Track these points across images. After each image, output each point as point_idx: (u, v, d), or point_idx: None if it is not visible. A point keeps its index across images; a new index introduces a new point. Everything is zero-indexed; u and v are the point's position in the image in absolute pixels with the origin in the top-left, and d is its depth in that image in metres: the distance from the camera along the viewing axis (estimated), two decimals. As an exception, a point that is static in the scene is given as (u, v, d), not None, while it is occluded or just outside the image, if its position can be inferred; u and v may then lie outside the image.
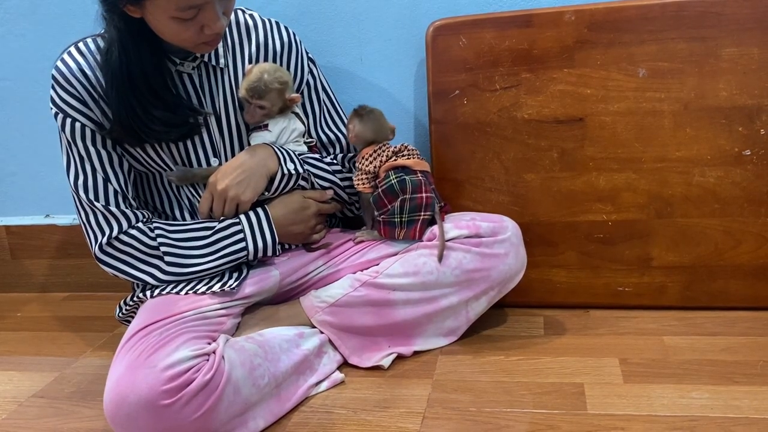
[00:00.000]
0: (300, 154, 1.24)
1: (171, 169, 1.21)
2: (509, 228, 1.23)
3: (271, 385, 1.06)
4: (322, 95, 1.33)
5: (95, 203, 1.16)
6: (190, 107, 1.18)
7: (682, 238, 1.31)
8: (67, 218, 1.68)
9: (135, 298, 1.20)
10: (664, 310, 1.32)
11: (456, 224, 1.22)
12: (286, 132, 1.23)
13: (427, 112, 1.40)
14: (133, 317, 1.17)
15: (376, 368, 1.19)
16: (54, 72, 1.15)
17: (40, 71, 1.60)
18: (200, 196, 1.22)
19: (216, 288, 1.14)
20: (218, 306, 1.13)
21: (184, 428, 0.95)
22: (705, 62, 1.26)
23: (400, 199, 1.20)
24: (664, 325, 1.27)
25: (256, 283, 1.19)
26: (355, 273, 1.23)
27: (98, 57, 1.14)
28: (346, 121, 1.33)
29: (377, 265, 1.23)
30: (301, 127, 1.26)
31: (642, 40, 1.27)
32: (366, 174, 1.24)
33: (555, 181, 1.34)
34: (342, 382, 1.15)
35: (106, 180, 1.16)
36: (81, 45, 1.16)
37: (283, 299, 1.25)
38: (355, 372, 1.18)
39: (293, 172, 1.20)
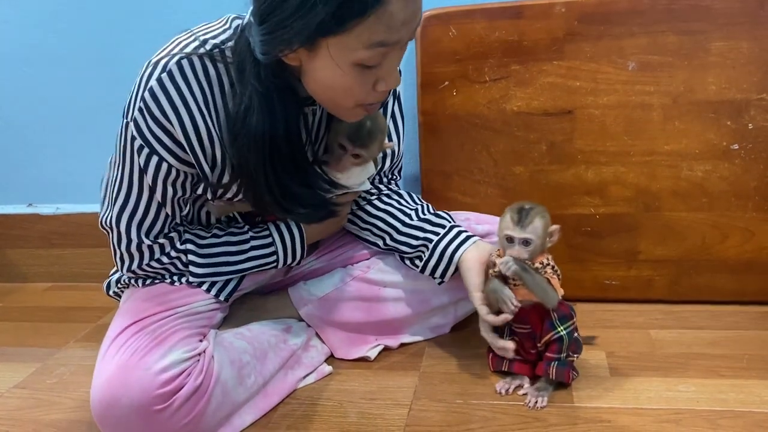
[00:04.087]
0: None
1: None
2: None
3: (259, 383, 1.05)
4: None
5: (145, 238, 1.03)
6: (325, 179, 1.06)
7: (669, 232, 1.31)
8: (50, 207, 1.66)
9: (125, 280, 1.13)
10: (651, 304, 1.33)
11: None
12: (354, 176, 1.11)
13: (416, 102, 1.39)
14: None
15: (363, 360, 1.18)
16: (147, 95, 0.92)
17: (23, 59, 1.58)
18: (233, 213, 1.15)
19: (212, 291, 1.10)
20: (210, 301, 1.10)
21: None
22: (694, 56, 1.26)
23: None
24: (651, 318, 1.27)
25: (249, 279, 1.16)
26: (345, 267, 1.22)
27: (206, 87, 0.94)
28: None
29: (369, 260, 1.22)
30: (372, 171, 1.14)
31: (632, 33, 1.27)
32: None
33: (543, 173, 1.34)
34: (329, 374, 1.15)
35: (169, 216, 1.04)
36: (185, 64, 0.92)
37: (271, 290, 1.24)
38: (342, 364, 1.18)
39: None
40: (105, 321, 1.41)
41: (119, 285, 1.15)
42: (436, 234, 1.13)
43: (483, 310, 1.06)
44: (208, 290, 1.10)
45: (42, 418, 1.09)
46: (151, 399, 0.91)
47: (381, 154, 1.18)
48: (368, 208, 1.20)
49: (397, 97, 1.20)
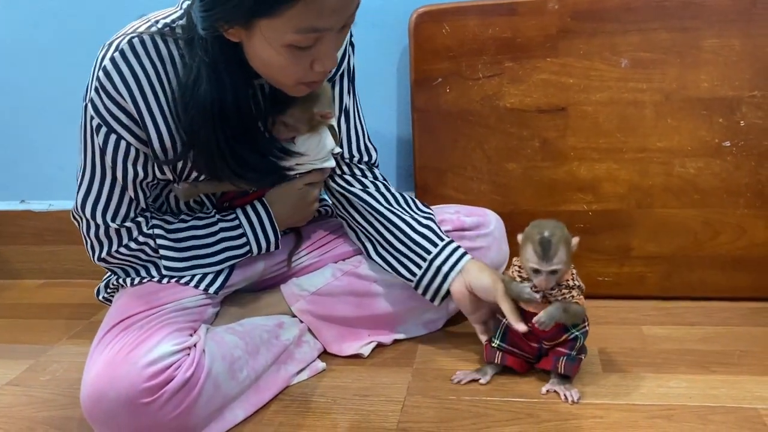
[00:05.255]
0: None
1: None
2: (492, 222, 1.23)
3: (251, 377, 1.04)
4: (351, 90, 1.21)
5: (111, 223, 1.04)
6: (278, 147, 1.07)
7: (661, 229, 1.32)
8: (43, 204, 1.66)
9: (116, 282, 1.14)
10: (643, 300, 1.33)
11: (440, 218, 1.21)
12: (311, 148, 1.10)
13: (409, 99, 1.39)
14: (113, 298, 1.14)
15: (356, 357, 1.18)
16: (101, 74, 0.94)
17: (14, 55, 1.57)
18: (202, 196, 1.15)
19: (200, 286, 1.10)
20: (200, 296, 1.10)
21: (163, 425, 0.93)
22: (687, 53, 1.26)
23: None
24: (643, 314, 1.28)
25: (239, 274, 1.17)
26: (337, 262, 1.22)
27: (158, 64, 0.96)
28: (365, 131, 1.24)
29: (360, 254, 1.22)
30: (331, 144, 1.13)
31: (625, 30, 1.27)
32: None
33: (536, 170, 1.34)
34: (323, 371, 1.15)
35: (133, 199, 1.05)
36: (137, 43, 0.94)
37: (263, 287, 1.24)
38: (335, 360, 1.18)
39: None
40: (98, 318, 1.41)
41: (108, 290, 1.16)
42: (419, 267, 1.13)
43: (483, 338, 1.12)
44: (197, 285, 1.10)
45: (35, 415, 1.08)
46: (138, 392, 0.91)
47: (337, 129, 1.16)
48: (356, 205, 1.19)
49: (351, 77, 1.19)
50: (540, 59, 1.31)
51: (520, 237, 1.03)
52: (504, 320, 1.07)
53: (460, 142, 1.37)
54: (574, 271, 1.04)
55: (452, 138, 1.37)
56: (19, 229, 1.68)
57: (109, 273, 1.16)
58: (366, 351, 1.18)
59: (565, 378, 1.04)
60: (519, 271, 1.04)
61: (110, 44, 0.96)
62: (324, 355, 1.19)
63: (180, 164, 1.04)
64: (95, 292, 1.19)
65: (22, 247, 1.69)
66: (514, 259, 1.07)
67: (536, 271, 1.00)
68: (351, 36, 1.17)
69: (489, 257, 1.20)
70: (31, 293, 1.63)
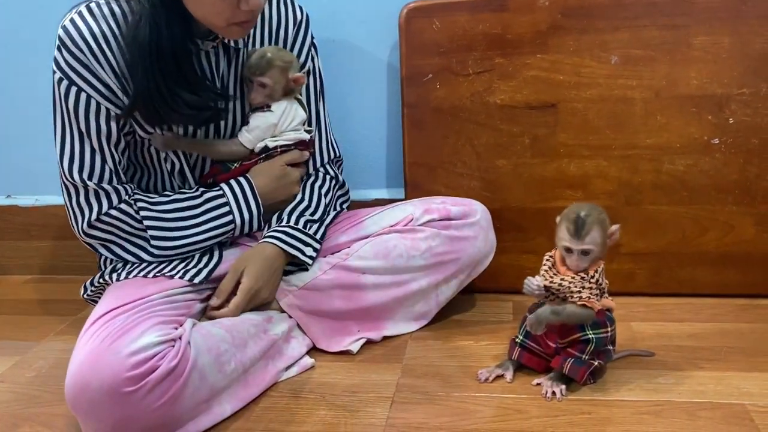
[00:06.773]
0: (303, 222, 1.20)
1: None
2: (478, 211, 1.24)
3: (238, 370, 1.04)
4: (314, 85, 1.29)
5: (88, 182, 1.09)
6: (214, 90, 1.14)
7: (650, 226, 1.32)
8: (30, 199, 1.64)
9: (101, 280, 1.16)
10: (632, 297, 1.34)
11: (426, 208, 1.22)
12: (288, 116, 1.20)
13: (399, 95, 1.39)
14: (100, 297, 1.14)
15: (345, 353, 1.18)
16: (61, 32, 1.04)
17: (1, 46, 1.56)
18: (182, 162, 1.18)
19: (186, 276, 1.11)
20: (187, 289, 1.10)
21: (147, 416, 0.93)
22: (677, 50, 1.26)
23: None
24: (632, 311, 1.28)
25: (225, 266, 1.16)
26: (325, 256, 1.22)
27: (112, 23, 1.05)
28: (323, 123, 1.30)
29: (348, 248, 1.22)
30: (302, 115, 1.22)
31: (615, 27, 1.27)
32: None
33: (526, 167, 1.34)
34: (312, 367, 1.14)
35: (104, 161, 1.10)
36: (94, 6, 1.05)
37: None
38: (324, 357, 1.17)
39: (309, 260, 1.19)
40: (85, 314, 1.39)
41: (93, 288, 1.17)
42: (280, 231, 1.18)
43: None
44: (182, 276, 1.10)
45: (21, 412, 1.07)
46: (121, 381, 0.90)
47: (305, 99, 1.25)
48: None
49: (316, 80, 1.28)
50: (530, 56, 1.31)
51: (558, 219, 1.02)
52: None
53: (450, 139, 1.36)
54: (601, 267, 1.02)
55: (442, 134, 1.37)
56: (5, 224, 1.66)
57: (98, 269, 1.16)
58: (355, 348, 1.18)
59: (569, 380, 1.03)
60: (549, 259, 1.03)
61: (71, 10, 1.06)
62: (313, 351, 1.19)
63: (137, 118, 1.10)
64: (81, 290, 1.19)
65: (8, 243, 1.68)
66: (546, 254, 1.05)
67: (568, 250, 0.99)
68: (312, 38, 1.27)
69: (476, 246, 1.22)
70: (17, 289, 1.62)
